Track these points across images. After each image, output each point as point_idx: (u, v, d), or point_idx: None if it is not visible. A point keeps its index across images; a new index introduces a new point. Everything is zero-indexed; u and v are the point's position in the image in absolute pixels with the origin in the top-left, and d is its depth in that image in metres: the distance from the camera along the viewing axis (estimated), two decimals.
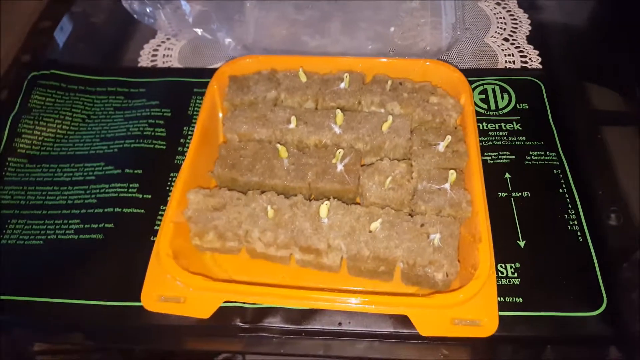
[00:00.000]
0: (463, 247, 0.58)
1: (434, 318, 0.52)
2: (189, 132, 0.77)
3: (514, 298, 0.60)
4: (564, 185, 0.68)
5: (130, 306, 0.61)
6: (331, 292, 0.53)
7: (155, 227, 0.67)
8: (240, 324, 0.59)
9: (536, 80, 0.79)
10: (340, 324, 0.59)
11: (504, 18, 0.91)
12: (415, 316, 0.52)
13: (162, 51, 0.90)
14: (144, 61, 0.89)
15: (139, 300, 0.56)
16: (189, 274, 0.55)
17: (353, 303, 0.52)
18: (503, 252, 0.59)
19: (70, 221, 0.68)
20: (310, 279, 0.61)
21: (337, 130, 0.66)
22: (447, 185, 0.60)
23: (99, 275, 0.63)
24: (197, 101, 0.80)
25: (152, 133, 0.76)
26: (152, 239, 0.66)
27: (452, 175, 0.58)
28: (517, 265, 0.62)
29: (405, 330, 0.57)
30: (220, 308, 0.55)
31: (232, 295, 0.55)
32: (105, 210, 0.69)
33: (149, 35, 0.93)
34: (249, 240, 0.59)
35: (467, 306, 0.52)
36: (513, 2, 0.93)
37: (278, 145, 0.62)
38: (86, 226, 0.68)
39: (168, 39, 0.92)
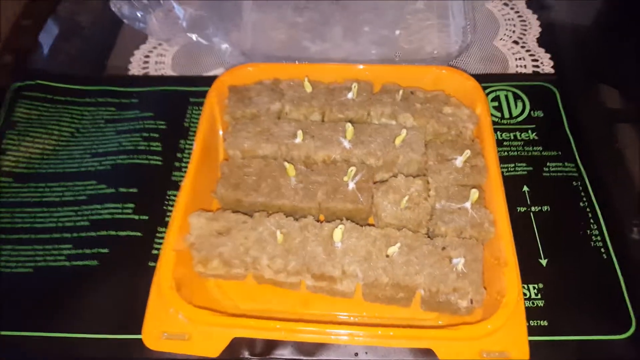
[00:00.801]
0: (486, 271, 0.54)
1: (460, 350, 0.49)
2: (186, 146, 0.72)
3: (539, 321, 0.57)
4: (584, 198, 0.65)
5: (131, 339, 0.57)
6: (349, 326, 0.49)
7: (154, 252, 0.63)
8: (250, 356, 0.55)
9: (550, 86, 0.76)
10: (356, 354, 0.55)
11: (512, 20, 0.87)
12: (441, 349, 0.49)
13: (154, 58, 0.85)
14: (135, 69, 0.84)
15: (140, 332, 0.52)
16: (194, 308, 0.51)
17: (374, 337, 0.49)
18: (525, 272, 0.55)
19: (61, 246, 0.64)
20: (322, 306, 0.58)
21: (346, 144, 0.62)
22: (467, 204, 0.56)
23: (95, 305, 0.59)
24: (194, 112, 0.76)
25: (147, 148, 0.72)
26: (150, 264, 0.62)
27: (474, 194, 0.55)
28: (540, 285, 0.59)
29: None
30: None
31: (243, 330, 0.51)
32: (99, 233, 0.65)
33: (140, 41, 0.88)
34: (256, 267, 0.55)
35: (496, 337, 0.49)
36: (521, 2, 0.89)
37: (286, 163, 0.58)
38: (79, 251, 0.63)
39: (160, 44, 0.87)
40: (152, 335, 0.51)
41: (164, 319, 0.52)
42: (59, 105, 0.78)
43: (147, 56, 0.86)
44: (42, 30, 0.89)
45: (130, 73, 0.84)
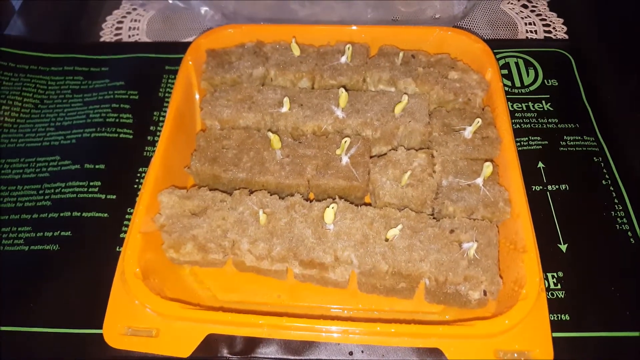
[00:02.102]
0: (501, 257, 0.47)
1: (472, 350, 0.42)
2: (160, 118, 0.65)
3: (560, 315, 0.50)
4: (606, 176, 0.58)
5: (93, 334, 0.50)
6: (343, 322, 0.42)
7: (122, 235, 0.56)
8: (229, 355, 0.48)
9: (564, 52, 0.69)
10: (351, 353, 0.48)
11: None
12: (450, 348, 0.42)
13: (127, 23, 0.78)
14: (107, 35, 0.76)
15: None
16: (161, 300, 0.44)
17: (372, 334, 0.42)
18: (543, 258, 0.48)
19: (19, 229, 0.58)
20: (312, 297, 0.51)
21: (339, 113, 0.54)
22: (479, 181, 0.49)
23: (54, 296, 0.53)
24: (170, 81, 0.69)
25: (117, 120, 0.65)
26: (118, 249, 0.55)
27: (487, 167, 0.47)
28: (560, 274, 0.52)
29: None
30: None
31: (218, 326, 0.44)
32: (61, 214, 0.58)
33: (113, 6, 0.80)
34: (236, 252, 0.48)
35: (513, 334, 0.42)
36: None
37: (270, 134, 0.51)
38: (39, 234, 0.57)
39: (135, 9, 0.79)
40: (114, 331, 0.45)
41: (129, 312, 0.45)
42: (22, 74, 0.71)
43: (120, 22, 0.78)
44: None
45: (101, 40, 0.75)
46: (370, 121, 0.54)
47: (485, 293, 0.44)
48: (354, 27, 0.61)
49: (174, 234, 0.48)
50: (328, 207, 0.46)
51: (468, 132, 0.52)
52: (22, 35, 0.77)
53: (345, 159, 0.52)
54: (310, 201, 0.50)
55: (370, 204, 0.52)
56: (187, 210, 0.49)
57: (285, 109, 0.55)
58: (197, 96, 0.61)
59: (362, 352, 0.48)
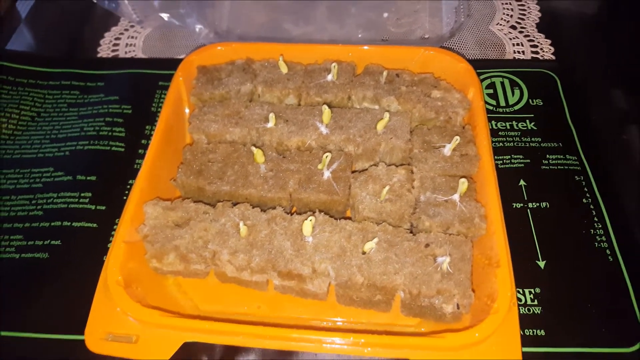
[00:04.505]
0: (476, 272, 0.48)
1: None
2: (152, 132, 0.66)
3: (535, 330, 0.50)
4: (587, 194, 0.59)
5: (76, 340, 0.51)
6: (317, 332, 0.43)
7: (109, 245, 0.56)
8: None
9: (550, 73, 0.70)
10: None
11: (509, 4, 0.81)
12: None
13: (124, 40, 0.79)
14: (104, 51, 0.78)
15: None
16: (142, 307, 0.45)
17: (345, 344, 0.42)
18: (520, 274, 0.49)
19: (11, 237, 0.59)
20: (291, 308, 0.52)
21: (323, 130, 0.56)
22: (456, 197, 0.50)
23: (41, 302, 0.54)
24: (162, 96, 0.70)
25: (110, 133, 0.66)
26: (104, 259, 0.55)
27: (462, 184, 0.48)
28: (537, 290, 0.53)
29: None
30: (184, 344, 0.45)
31: (195, 334, 0.45)
32: (52, 224, 0.59)
33: (111, 23, 0.82)
34: (217, 263, 0.49)
35: (484, 347, 0.43)
36: None
37: (253, 148, 0.52)
38: (29, 243, 0.58)
39: (132, 26, 0.81)
40: (95, 336, 0.45)
41: (110, 319, 0.46)
42: (20, 87, 0.73)
43: (117, 39, 0.80)
44: (7, 8, 0.84)
45: (99, 56, 0.78)
46: (353, 137, 0.55)
47: (458, 306, 0.45)
48: (341, 46, 0.63)
49: (157, 244, 0.49)
50: (307, 219, 0.47)
51: (447, 149, 0.53)
52: (22, 50, 0.79)
53: (327, 174, 0.53)
54: (292, 214, 0.51)
55: (350, 218, 0.53)
56: (171, 221, 0.51)
57: (271, 124, 0.56)
58: (187, 111, 0.62)
59: None
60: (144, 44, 0.79)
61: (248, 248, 0.48)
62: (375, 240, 0.46)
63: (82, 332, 0.48)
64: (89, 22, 0.83)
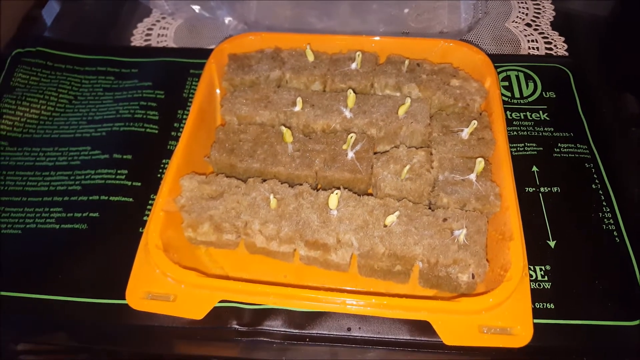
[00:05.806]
0: (490, 247, 0.51)
1: (459, 325, 0.46)
2: (184, 116, 0.70)
3: (545, 304, 0.53)
4: (596, 180, 0.62)
5: (115, 304, 0.54)
6: (342, 293, 0.46)
7: (145, 218, 0.61)
8: (237, 326, 0.52)
9: (563, 68, 0.73)
10: (349, 329, 0.52)
11: (525, 3, 0.84)
12: (439, 322, 0.46)
13: (157, 30, 0.83)
14: (137, 41, 0.82)
15: (124, 298, 0.49)
16: (180, 268, 0.48)
17: (367, 306, 0.46)
18: (532, 252, 0.52)
19: (51, 209, 0.62)
20: (315, 279, 0.55)
21: (347, 114, 0.59)
22: (472, 176, 0.53)
23: (82, 269, 0.57)
24: (193, 83, 0.74)
25: (144, 116, 0.70)
26: (140, 230, 0.60)
27: (479, 163, 0.52)
28: (548, 267, 0.56)
29: (424, 338, 0.51)
30: (215, 308, 0.48)
31: (229, 294, 0.48)
32: (90, 198, 0.63)
33: (144, 14, 0.86)
34: (248, 232, 0.52)
35: (498, 312, 0.46)
36: None
37: (282, 128, 0.56)
38: (69, 215, 0.61)
39: (163, 17, 0.85)
40: (136, 295, 0.49)
41: (150, 280, 0.49)
42: (58, 72, 0.77)
43: (149, 29, 0.84)
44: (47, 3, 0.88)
45: (132, 44, 0.82)
46: (376, 121, 0.59)
47: (473, 276, 0.48)
48: (365, 37, 0.66)
49: (193, 213, 0.53)
50: (332, 193, 0.51)
51: (465, 133, 0.57)
52: (60, 38, 0.83)
53: (350, 154, 0.56)
54: (317, 190, 0.54)
55: (372, 195, 0.56)
56: (206, 194, 0.54)
57: (298, 108, 0.60)
58: (218, 96, 0.66)
59: (359, 328, 0.52)
60: (175, 34, 0.83)
61: (277, 219, 0.51)
62: (397, 213, 0.50)
63: (120, 297, 0.52)
64: (123, 13, 0.87)
